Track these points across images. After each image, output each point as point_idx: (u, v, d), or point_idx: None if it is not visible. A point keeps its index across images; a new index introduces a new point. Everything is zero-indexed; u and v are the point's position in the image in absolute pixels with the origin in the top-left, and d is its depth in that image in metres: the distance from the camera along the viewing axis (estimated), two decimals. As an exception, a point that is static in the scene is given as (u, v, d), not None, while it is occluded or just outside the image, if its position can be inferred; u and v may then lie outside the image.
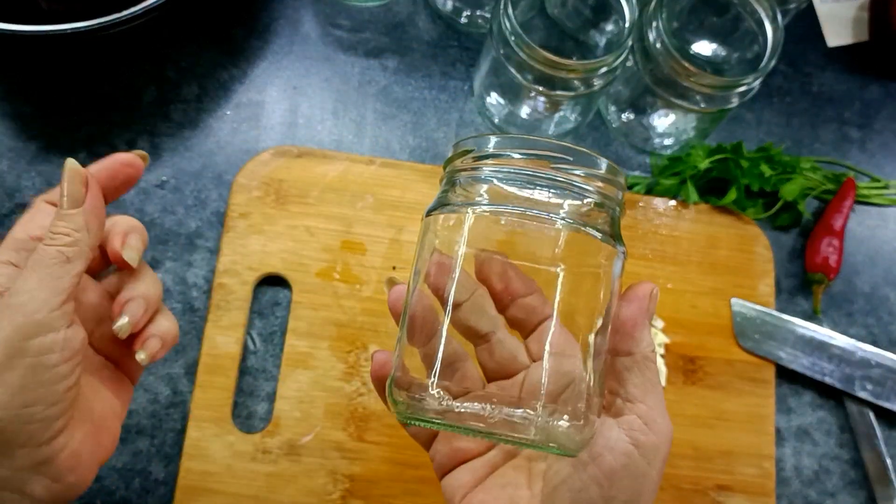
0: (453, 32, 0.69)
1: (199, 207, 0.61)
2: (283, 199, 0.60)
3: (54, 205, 0.37)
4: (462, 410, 0.32)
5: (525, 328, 0.37)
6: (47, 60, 0.63)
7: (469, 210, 0.33)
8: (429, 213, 0.35)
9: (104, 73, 0.63)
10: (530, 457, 0.37)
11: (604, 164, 0.33)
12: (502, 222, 0.33)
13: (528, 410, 0.32)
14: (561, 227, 0.32)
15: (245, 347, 0.57)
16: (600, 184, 0.33)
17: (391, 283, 0.35)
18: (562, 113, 0.63)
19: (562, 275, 0.34)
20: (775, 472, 0.60)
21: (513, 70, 0.57)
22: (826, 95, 0.72)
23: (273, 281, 0.59)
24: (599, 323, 0.34)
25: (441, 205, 0.35)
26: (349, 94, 0.66)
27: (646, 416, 0.33)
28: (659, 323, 0.61)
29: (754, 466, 0.59)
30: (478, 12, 0.68)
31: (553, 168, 0.32)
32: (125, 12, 0.54)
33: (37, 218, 0.37)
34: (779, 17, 0.58)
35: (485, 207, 0.33)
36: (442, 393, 0.33)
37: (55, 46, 0.62)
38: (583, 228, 0.33)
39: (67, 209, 0.34)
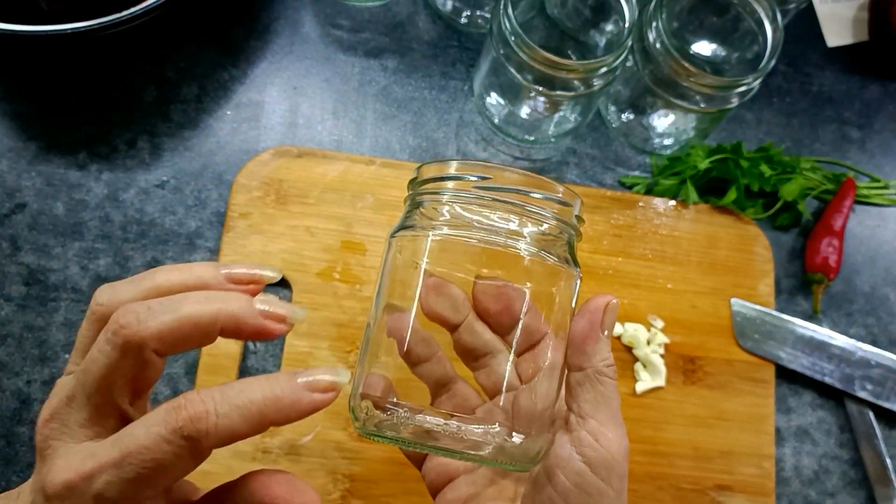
0: (453, 32, 0.69)
1: (199, 207, 0.61)
2: (283, 199, 0.60)
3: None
4: (417, 425, 0.33)
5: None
6: (47, 60, 0.63)
7: (430, 234, 0.34)
8: (393, 235, 0.36)
9: (104, 73, 0.63)
10: (518, 478, 0.37)
11: (561, 190, 0.34)
12: (466, 245, 0.34)
13: (486, 426, 0.33)
14: (521, 252, 0.34)
15: (245, 347, 0.57)
16: (557, 209, 0.34)
17: (391, 308, 0.36)
18: (562, 113, 0.63)
19: (528, 293, 0.35)
20: (775, 472, 0.60)
21: (513, 70, 0.57)
22: (826, 95, 0.72)
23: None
24: (551, 342, 0.35)
25: (404, 227, 0.35)
26: (349, 94, 0.66)
27: (595, 431, 0.33)
28: (659, 323, 0.61)
29: (754, 466, 0.59)
30: (478, 12, 0.68)
31: (514, 195, 0.34)
32: (125, 12, 0.54)
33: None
34: (779, 17, 0.58)
35: (445, 233, 0.34)
36: (400, 408, 0.34)
37: (55, 46, 0.62)
38: (540, 254, 0.34)
39: None
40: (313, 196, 0.60)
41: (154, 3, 0.54)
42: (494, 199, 0.33)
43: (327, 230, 0.60)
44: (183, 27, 0.65)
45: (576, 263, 0.35)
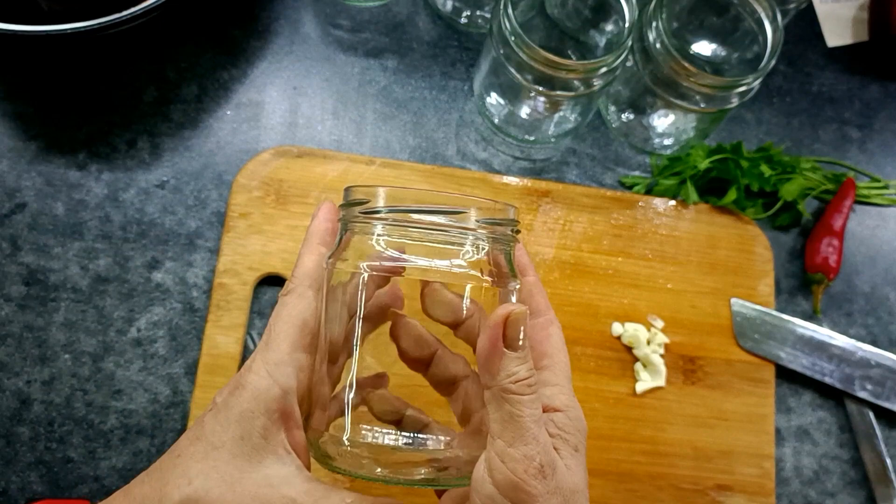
0: (453, 32, 0.69)
1: (199, 207, 0.61)
2: (283, 199, 0.60)
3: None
4: (365, 441, 0.34)
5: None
6: (47, 60, 0.63)
7: (363, 266, 0.34)
8: (330, 258, 0.36)
9: (104, 73, 0.63)
10: None
11: (492, 208, 0.35)
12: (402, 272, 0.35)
13: (432, 436, 0.34)
14: (450, 270, 0.34)
15: (245, 347, 0.57)
16: (489, 227, 0.34)
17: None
18: (562, 113, 0.63)
19: (466, 296, 0.35)
20: (775, 472, 0.60)
21: (513, 70, 0.57)
22: (826, 95, 0.72)
23: (273, 281, 0.59)
24: None
25: (340, 255, 0.36)
26: (349, 94, 0.66)
27: (502, 452, 0.31)
28: (659, 323, 0.61)
29: (754, 466, 0.59)
30: (478, 12, 0.68)
31: (442, 219, 0.34)
32: (125, 12, 0.54)
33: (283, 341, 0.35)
34: (779, 17, 0.58)
35: (374, 264, 0.34)
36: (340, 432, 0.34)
37: (55, 46, 0.62)
38: (472, 274, 0.34)
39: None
40: (313, 196, 0.60)
41: (154, 3, 0.54)
42: (421, 229, 0.34)
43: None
44: (183, 27, 0.65)
45: (513, 275, 0.35)
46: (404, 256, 0.34)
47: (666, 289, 0.62)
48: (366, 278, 0.35)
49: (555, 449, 0.33)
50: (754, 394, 0.61)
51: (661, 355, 0.60)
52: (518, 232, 0.36)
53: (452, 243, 0.34)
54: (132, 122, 0.63)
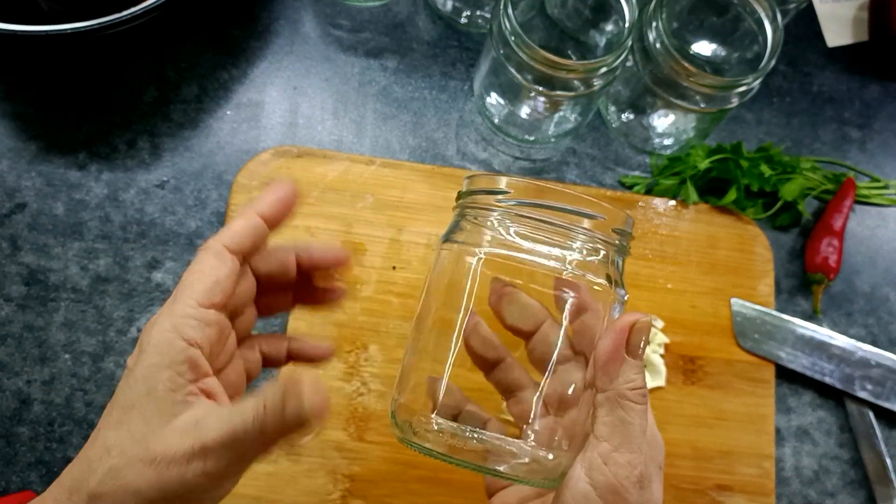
0: (453, 32, 0.69)
1: (199, 207, 0.61)
2: (283, 199, 0.60)
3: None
4: (448, 432, 0.34)
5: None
6: (47, 60, 0.63)
7: (482, 252, 0.34)
8: (444, 243, 0.36)
9: (104, 73, 0.63)
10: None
11: (619, 217, 0.34)
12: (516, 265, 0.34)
13: (517, 441, 0.34)
14: (564, 273, 0.34)
15: (245, 347, 0.57)
16: (610, 234, 0.34)
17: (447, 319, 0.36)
18: (562, 113, 0.63)
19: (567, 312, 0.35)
20: (775, 472, 0.60)
21: (513, 70, 0.57)
22: (826, 95, 0.72)
23: (273, 281, 0.59)
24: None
25: (454, 239, 0.36)
26: (349, 94, 0.66)
27: (606, 455, 0.32)
28: (659, 323, 0.61)
29: (754, 466, 0.59)
30: (478, 12, 0.68)
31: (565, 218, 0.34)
32: (125, 12, 0.54)
33: (196, 287, 0.34)
34: (779, 17, 0.58)
35: (496, 251, 0.34)
36: (438, 419, 0.35)
37: (55, 46, 0.62)
38: (586, 277, 0.34)
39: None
40: (313, 196, 0.60)
41: (154, 3, 0.54)
42: (544, 222, 0.33)
43: (327, 230, 0.60)
44: (183, 27, 0.65)
45: (621, 285, 0.35)
46: (526, 246, 0.34)
47: (666, 289, 0.62)
48: (481, 265, 0.34)
49: None
50: (754, 394, 0.61)
51: (661, 355, 0.60)
52: (631, 241, 0.36)
53: (572, 246, 0.34)
54: (132, 122, 0.63)
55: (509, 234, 0.34)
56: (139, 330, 0.57)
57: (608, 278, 0.35)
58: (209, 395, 0.33)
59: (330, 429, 0.55)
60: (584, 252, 0.34)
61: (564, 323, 0.35)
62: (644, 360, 0.60)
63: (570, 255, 0.34)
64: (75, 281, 0.58)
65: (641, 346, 0.33)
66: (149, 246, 0.60)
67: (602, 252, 0.34)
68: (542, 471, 0.34)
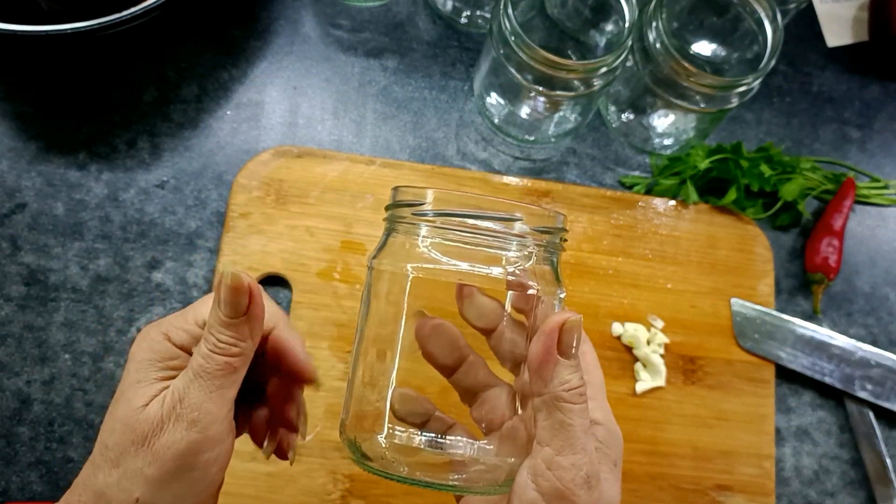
0: (453, 32, 0.69)
1: (199, 207, 0.61)
2: (283, 199, 0.60)
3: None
4: (396, 441, 0.34)
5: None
6: (47, 60, 0.63)
7: (409, 269, 0.34)
8: (373, 259, 0.36)
9: (104, 73, 0.63)
10: None
11: (544, 216, 0.34)
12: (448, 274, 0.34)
13: (481, 444, 0.34)
14: (497, 277, 0.34)
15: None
16: (539, 235, 0.34)
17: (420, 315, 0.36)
18: (562, 113, 0.63)
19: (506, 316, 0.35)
20: (775, 472, 0.60)
21: (513, 70, 0.57)
22: (826, 95, 0.72)
23: (273, 281, 0.59)
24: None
25: (384, 256, 0.36)
26: (349, 94, 0.66)
27: (549, 460, 0.31)
28: (659, 323, 0.61)
29: (754, 466, 0.59)
30: (478, 12, 0.68)
31: (493, 225, 0.33)
32: (125, 12, 0.54)
33: (201, 309, 0.36)
34: (779, 17, 0.58)
35: (424, 267, 0.34)
36: (393, 429, 0.34)
37: (55, 46, 0.62)
38: (519, 281, 0.34)
39: (229, 317, 0.33)
40: (313, 196, 0.60)
41: (154, 3, 0.54)
42: (472, 233, 0.33)
43: (327, 230, 0.60)
44: (183, 27, 0.65)
45: (557, 283, 0.35)
46: (453, 261, 0.33)
47: (666, 289, 0.62)
48: (411, 281, 0.34)
49: None
50: (754, 394, 0.61)
51: (661, 355, 0.60)
52: (565, 241, 0.36)
53: (500, 249, 0.34)
54: (132, 122, 0.63)
55: (433, 251, 0.34)
56: (139, 330, 0.57)
57: (541, 277, 0.34)
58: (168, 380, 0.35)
59: (330, 429, 0.55)
60: (513, 256, 0.34)
61: (532, 320, 0.35)
62: (644, 359, 0.60)
63: (497, 264, 0.34)
64: (75, 281, 0.58)
65: (574, 345, 0.32)
66: (149, 246, 0.60)
67: (531, 252, 0.34)
68: (500, 476, 0.33)
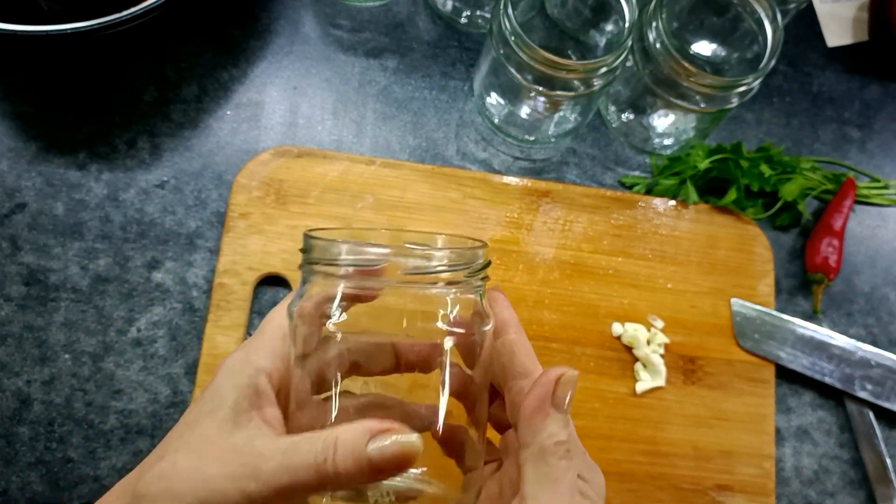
0: (453, 32, 0.69)
1: (199, 207, 0.61)
2: (283, 199, 0.60)
3: None
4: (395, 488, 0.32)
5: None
6: (47, 60, 0.63)
7: (331, 325, 0.33)
8: (293, 308, 0.34)
9: (104, 73, 0.63)
10: None
11: (453, 254, 0.33)
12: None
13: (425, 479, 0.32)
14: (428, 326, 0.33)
15: (245, 347, 0.57)
16: (458, 273, 0.33)
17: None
18: (562, 113, 0.63)
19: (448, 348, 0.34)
20: (775, 472, 0.60)
21: (513, 70, 0.57)
22: (826, 95, 0.72)
23: (273, 281, 0.59)
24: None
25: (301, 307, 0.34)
26: (349, 94, 0.66)
27: None
28: (659, 323, 0.61)
29: (754, 466, 0.59)
30: (478, 12, 0.68)
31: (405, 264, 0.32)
32: (125, 12, 0.54)
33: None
34: (779, 17, 0.58)
35: (337, 324, 0.32)
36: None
37: (55, 46, 0.62)
38: (437, 328, 0.33)
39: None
40: (313, 196, 0.60)
41: (154, 3, 0.54)
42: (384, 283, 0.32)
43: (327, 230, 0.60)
44: (183, 27, 0.65)
45: (484, 316, 0.34)
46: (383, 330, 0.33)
47: (666, 289, 0.62)
48: (339, 339, 0.33)
49: None
50: (754, 394, 0.61)
51: (661, 355, 0.60)
52: (487, 278, 0.34)
53: (434, 304, 0.32)
54: (132, 122, 0.63)
55: (361, 316, 0.32)
56: (139, 330, 0.58)
57: (457, 322, 0.33)
58: (270, 426, 0.33)
59: (330, 429, 0.55)
60: (449, 299, 0.33)
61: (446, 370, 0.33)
62: (644, 359, 0.61)
63: (432, 320, 0.32)
64: (75, 281, 0.58)
65: (567, 399, 0.32)
66: (149, 246, 0.60)
67: (450, 296, 0.33)
68: None
